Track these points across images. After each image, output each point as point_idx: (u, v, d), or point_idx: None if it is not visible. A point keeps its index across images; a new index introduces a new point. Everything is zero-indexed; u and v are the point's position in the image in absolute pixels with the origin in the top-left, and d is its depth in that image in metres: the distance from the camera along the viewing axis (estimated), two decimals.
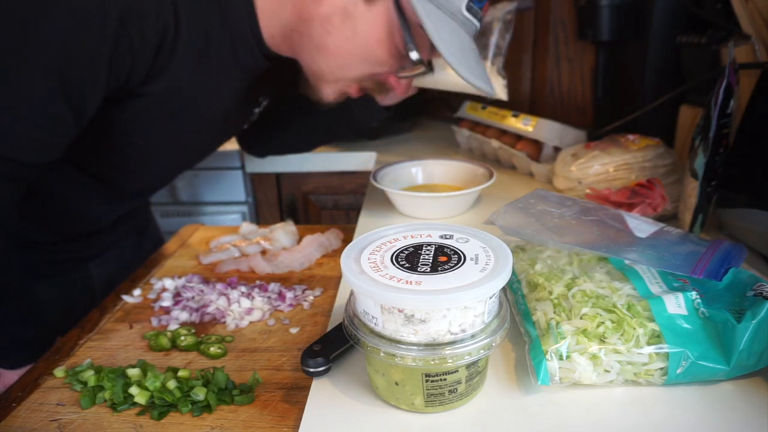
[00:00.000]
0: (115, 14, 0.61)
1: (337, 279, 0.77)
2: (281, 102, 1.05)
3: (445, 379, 0.45)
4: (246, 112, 0.93)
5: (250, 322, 0.67)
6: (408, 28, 0.74)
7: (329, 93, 0.82)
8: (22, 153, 0.64)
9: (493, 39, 0.98)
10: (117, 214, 0.93)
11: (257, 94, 0.91)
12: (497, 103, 1.25)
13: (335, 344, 0.54)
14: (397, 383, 0.46)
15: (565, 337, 0.48)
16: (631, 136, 0.90)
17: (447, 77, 0.88)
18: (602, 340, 0.48)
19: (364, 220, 0.90)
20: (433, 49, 0.75)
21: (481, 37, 0.96)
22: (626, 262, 0.56)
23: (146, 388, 0.53)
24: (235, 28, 0.74)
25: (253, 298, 0.71)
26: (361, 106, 0.98)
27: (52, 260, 0.88)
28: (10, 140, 0.62)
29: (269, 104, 1.01)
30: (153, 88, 0.70)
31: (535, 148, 1.06)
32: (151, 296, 0.75)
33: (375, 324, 0.45)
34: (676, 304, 0.49)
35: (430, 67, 0.81)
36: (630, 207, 0.75)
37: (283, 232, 0.88)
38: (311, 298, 0.72)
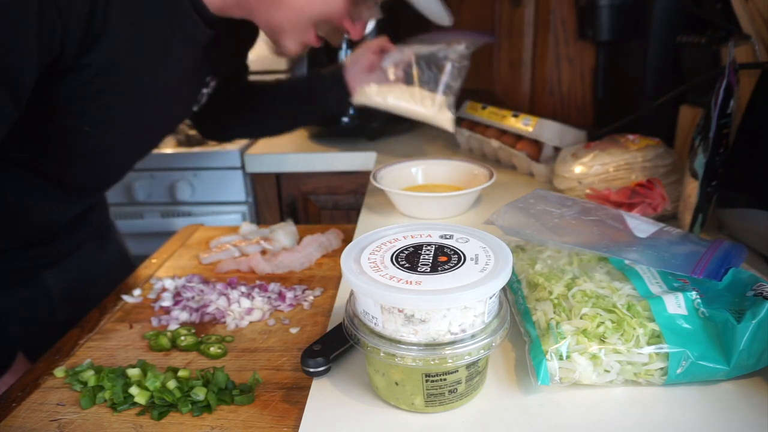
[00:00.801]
0: None
1: (337, 279, 0.77)
2: (237, 88, 1.05)
3: (445, 379, 0.45)
4: (194, 91, 0.89)
5: (250, 322, 0.67)
6: None
7: (291, 45, 0.83)
8: None
9: (444, 78, 1.02)
10: (70, 215, 0.88)
11: (204, 73, 0.88)
12: (497, 103, 1.25)
13: (335, 344, 0.54)
14: (397, 383, 0.46)
15: (565, 337, 0.48)
16: (631, 136, 0.90)
17: (399, 104, 1.00)
18: (602, 340, 0.48)
19: (364, 220, 0.90)
20: None
21: (433, 67, 1.02)
22: (626, 262, 0.56)
23: (146, 388, 0.53)
24: None
25: (253, 298, 0.71)
26: (334, 94, 1.02)
27: (4, 270, 0.83)
28: None
29: (231, 88, 1.01)
30: (90, 59, 0.67)
31: (535, 148, 1.06)
32: (151, 296, 0.75)
33: (375, 324, 0.45)
34: (676, 304, 0.49)
35: (379, 8, 0.84)
36: (630, 207, 0.75)
37: (283, 232, 0.88)
38: (311, 298, 0.72)
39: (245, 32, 0.93)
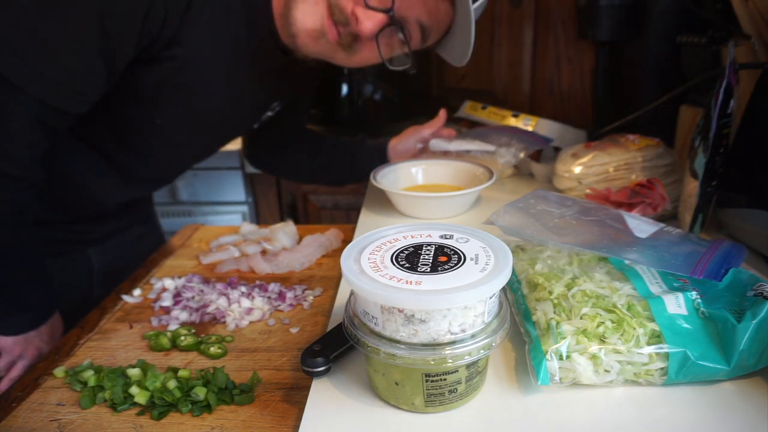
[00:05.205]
0: None
1: (337, 279, 0.77)
2: (294, 123, 1.10)
3: (445, 379, 0.45)
4: (257, 109, 0.94)
5: (250, 322, 0.67)
6: None
7: (301, 16, 0.76)
8: (50, 96, 0.65)
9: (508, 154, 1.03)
10: (122, 200, 0.94)
11: (271, 95, 0.93)
12: (497, 103, 1.25)
13: (335, 344, 0.54)
14: (397, 383, 0.46)
15: (565, 337, 0.48)
16: (631, 136, 0.90)
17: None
18: (602, 340, 0.48)
19: (364, 220, 0.90)
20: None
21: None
22: (626, 262, 0.56)
23: (146, 388, 0.53)
24: (251, 6, 0.76)
25: (253, 298, 0.71)
26: (365, 153, 1.07)
27: (54, 239, 0.89)
28: (40, 81, 0.64)
29: (283, 122, 1.05)
30: (177, 52, 0.72)
31: None
32: (151, 296, 0.75)
33: (375, 324, 0.45)
34: (676, 304, 0.49)
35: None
36: (630, 207, 0.75)
37: (283, 232, 0.88)
38: (311, 298, 0.72)
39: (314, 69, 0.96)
